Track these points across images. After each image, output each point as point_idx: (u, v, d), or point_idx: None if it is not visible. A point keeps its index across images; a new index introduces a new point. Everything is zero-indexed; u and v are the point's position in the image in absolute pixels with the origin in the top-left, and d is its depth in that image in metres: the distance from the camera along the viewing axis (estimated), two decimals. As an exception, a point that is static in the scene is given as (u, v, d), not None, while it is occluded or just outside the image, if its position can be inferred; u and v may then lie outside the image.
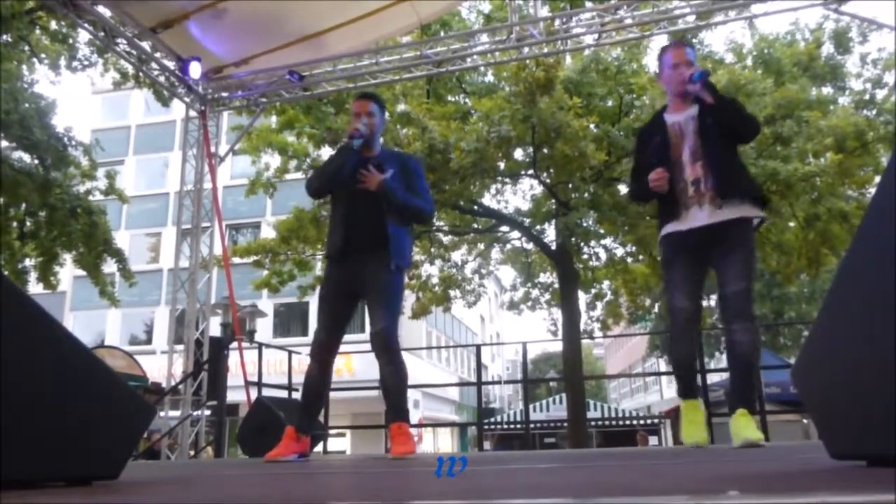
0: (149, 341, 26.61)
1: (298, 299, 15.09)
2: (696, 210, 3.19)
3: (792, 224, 12.11)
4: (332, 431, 8.86)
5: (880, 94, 13.35)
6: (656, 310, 18.08)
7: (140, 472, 2.55)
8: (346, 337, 3.72)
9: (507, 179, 13.83)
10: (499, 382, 35.89)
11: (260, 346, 7.21)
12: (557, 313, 15.16)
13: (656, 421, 25.10)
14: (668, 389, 34.51)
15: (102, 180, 14.26)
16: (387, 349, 3.42)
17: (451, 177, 10.72)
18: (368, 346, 3.48)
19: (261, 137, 12.71)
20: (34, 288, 12.92)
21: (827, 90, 13.55)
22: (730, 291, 3.09)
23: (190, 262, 7.98)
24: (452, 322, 34.27)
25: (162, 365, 8.12)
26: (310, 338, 3.63)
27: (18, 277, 12.29)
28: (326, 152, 12.19)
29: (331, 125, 11.24)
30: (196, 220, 8.07)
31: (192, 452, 7.54)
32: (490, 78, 13.24)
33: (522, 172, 13.16)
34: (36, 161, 11.77)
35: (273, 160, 13.79)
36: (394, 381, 3.43)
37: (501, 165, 12.25)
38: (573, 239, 12.36)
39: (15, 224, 12.57)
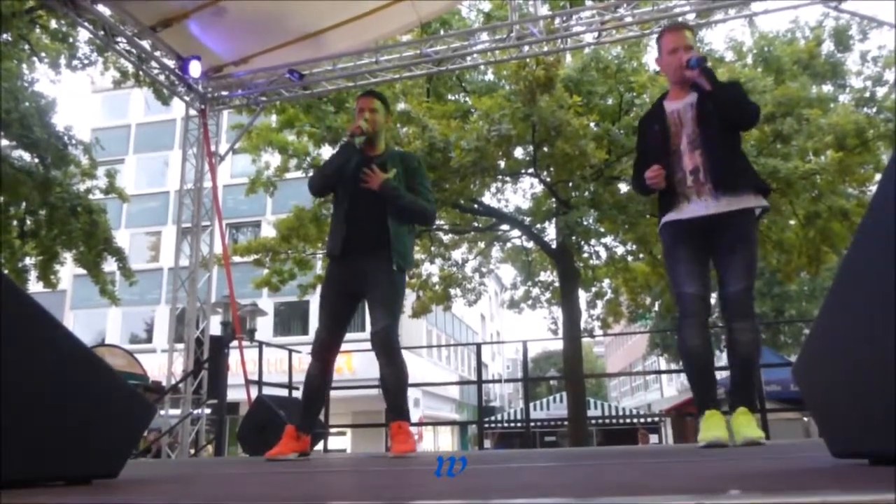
0: (149, 340, 26.62)
1: (299, 298, 15.09)
2: (695, 200, 3.11)
3: (792, 222, 12.10)
4: (332, 430, 8.86)
5: (881, 91, 13.35)
6: (657, 308, 18.09)
7: (140, 471, 2.55)
8: (347, 336, 3.72)
9: (508, 178, 13.83)
10: (499, 381, 35.90)
11: (260, 344, 7.22)
12: (558, 312, 15.18)
13: (657, 419, 25.11)
14: (669, 387, 34.55)
15: (102, 179, 14.26)
16: (387, 348, 3.42)
17: (451, 175, 10.72)
18: (369, 345, 3.47)
19: (261, 136, 12.71)
20: (34, 286, 12.94)
21: (827, 88, 13.54)
22: (731, 291, 3.04)
23: (190, 260, 7.98)
24: (453, 321, 34.29)
25: (162, 363, 8.13)
26: (310, 336, 3.63)
27: (19, 276, 12.29)
28: (326, 151, 12.19)
29: (331, 124, 11.24)
30: (196, 218, 8.07)
31: (192, 451, 7.55)
32: (490, 76, 13.24)
33: (523, 171, 13.16)
34: (36, 160, 11.77)
35: (273, 159, 13.80)
36: (394, 381, 3.42)
37: (502, 164, 12.24)
38: (573, 237, 12.36)
39: (15, 223, 12.57)
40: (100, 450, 1.65)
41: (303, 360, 4.01)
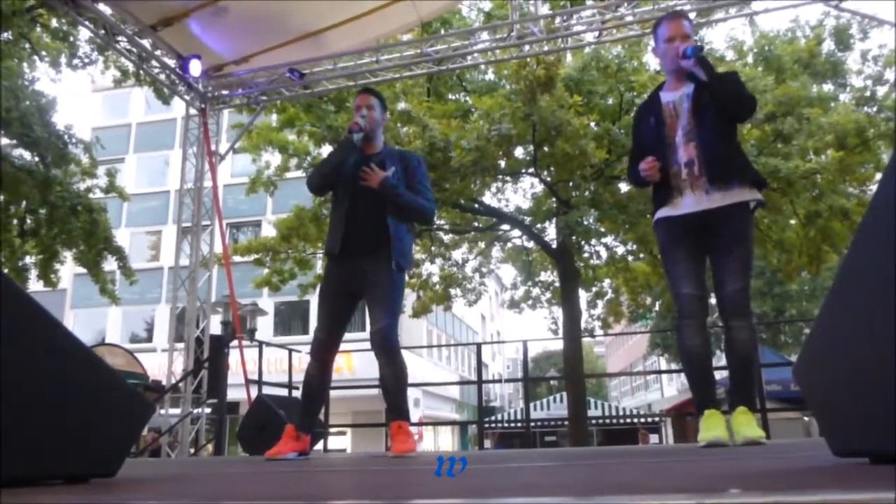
0: (149, 339, 26.63)
1: (299, 298, 15.09)
2: (689, 194, 3.07)
3: (793, 221, 12.10)
4: (332, 430, 8.86)
5: (881, 90, 13.35)
6: (657, 308, 18.09)
7: (139, 470, 2.55)
8: (347, 335, 3.71)
9: (508, 178, 13.83)
10: (499, 381, 35.91)
11: (260, 344, 7.22)
12: (558, 312, 15.17)
13: (657, 419, 25.12)
14: (669, 387, 34.55)
15: (103, 178, 14.26)
16: (386, 348, 3.41)
17: (451, 175, 10.72)
18: (369, 345, 3.46)
19: (261, 136, 12.71)
20: (34, 285, 12.94)
21: (828, 87, 13.53)
22: (728, 291, 3.02)
23: (190, 260, 7.99)
24: (453, 320, 34.29)
25: (162, 363, 8.13)
26: (310, 336, 3.62)
27: (19, 275, 12.29)
28: (327, 151, 12.18)
29: (331, 123, 11.24)
30: (196, 218, 8.07)
31: (192, 450, 7.55)
32: (491, 76, 13.23)
33: (523, 171, 13.15)
34: (36, 158, 11.77)
35: (273, 158, 13.79)
36: (394, 380, 3.42)
37: (502, 164, 12.24)
38: (574, 237, 12.36)
39: (15, 221, 12.57)
40: (98, 449, 1.65)
41: (303, 360, 4.00)
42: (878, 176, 11.48)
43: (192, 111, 8.26)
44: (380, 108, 3.71)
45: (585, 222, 12.17)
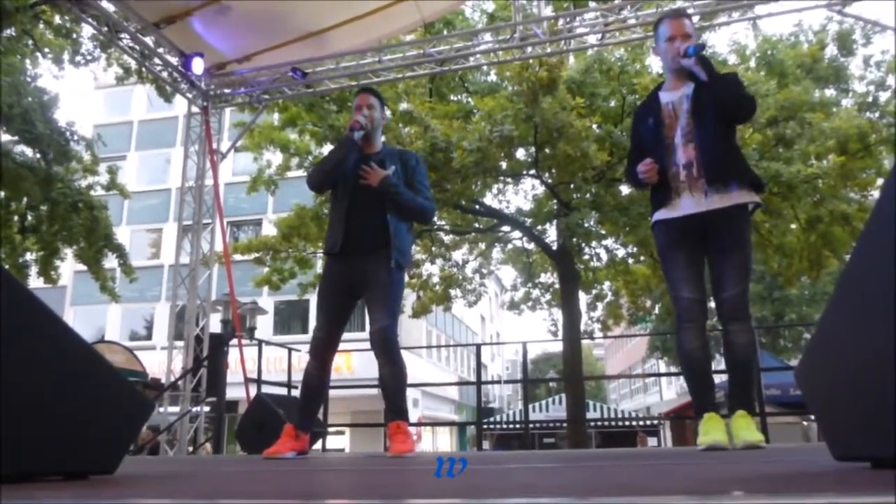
0: (149, 337, 26.63)
1: (299, 297, 15.09)
2: (687, 196, 3.05)
3: (794, 226, 12.09)
4: (331, 429, 8.86)
5: (883, 96, 13.36)
6: (657, 311, 18.09)
7: (137, 468, 2.54)
8: (346, 335, 3.71)
9: (509, 179, 13.83)
10: (498, 382, 35.92)
11: (260, 343, 7.22)
12: (558, 314, 15.18)
13: (656, 422, 25.11)
14: (668, 390, 34.54)
15: (104, 175, 14.28)
16: (386, 348, 3.40)
17: (452, 176, 10.72)
18: (368, 345, 3.46)
19: (263, 134, 12.72)
20: (35, 282, 12.94)
21: (830, 92, 13.55)
22: (727, 295, 3.00)
23: (191, 258, 7.99)
24: (453, 321, 34.28)
25: (162, 361, 8.14)
26: (310, 335, 3.62)
27: (19, 271, 12.30)
28: (328, 150, 12.17)
29: (333, 123, 11.24)
30: (197, 216, 8.07)
31: (190, 448, 7.55)
32: (493, 77, 13.24)
33: (524, 172, 13.15)
34: (38, 155, 11.78)
35: (275, 157, 13.80)
36: (393, 380, 3.41)
37: (503, 165, 12.24)
38: (574, 239, 12.36)
39: (16, 218, 12.59)
40: (98, 446, 1.64)
41: (302, 359, 4.00)
42: (880, 181, 11.48)
43: (195, 109, 8.26)
44: (380, 107, 3.72)
45: (586, 224, 12.17)
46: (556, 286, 14.93)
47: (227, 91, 8.33)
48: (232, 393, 7.84)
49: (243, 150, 13.81)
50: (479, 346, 8.99)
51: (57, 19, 11.66)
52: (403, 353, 3.53)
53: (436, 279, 14.71)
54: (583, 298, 14.84)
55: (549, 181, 12.67)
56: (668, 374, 24.02)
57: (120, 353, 10.05)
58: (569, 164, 10.77)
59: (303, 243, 13.10)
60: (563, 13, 9.05)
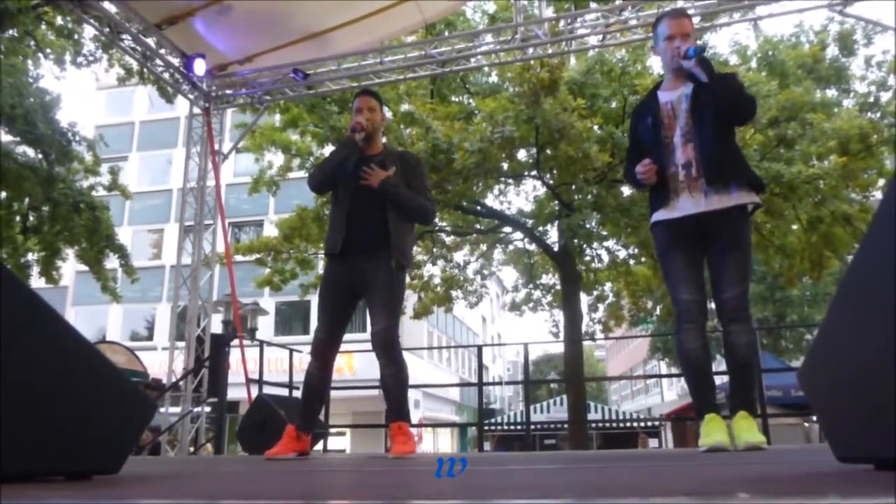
0: (150, 337, 26.64)
1: (300, 298, 15.09)
2: (686, 197, 3.03)
3: (795, 227, 12.08)
4: (332, 430, 8.86)
5: (885, 96, 13.34)
6: (658, 312, 18.07)
7: (140, 468, 2.54)
8: (347, 336, 3.70)
9: (511, 180, 13.83)
10: (500, 383, 35.90)
11: (261, 343, 7.22)
12: (559, 315, 15.17)
13: (657, 423, 25.09)
14: (669, 392, 34.51)
15: (106, 176, 14.30)
16: (387, 349, 3.40)
17: (454, 177, 10.71)
18: (369, 345, 3.46)
19: (264, 135, 12.72)
20: (36, 282, 12.96)
21: (831, 92, 13.54)
22: (727, 297, 2.99)
23: (192, 258, 7.99)
24: (454, 322, 34.28)
25: (163, 361, 8.13)
26: (311, 336, 3.62)
27: (21, 272, 12.32)
28: (329, 151, 12.18)
29: (334, 124, 11.25)
30: (199, 217, 8.08)
31: (191, 449, 7.55)
32: (494, 78, 13.24)
33: (525, 173, 13.15)
34: (40, 156, 11.80)
35: (276, 158, 13.81)
36: (394, 381, 3.41)
37: (505, 166, 12.24)
38: (575, 240, 12.35)
39: (18, 218, 12.61)
40: (101, 445, 1.65)
41: (303, 360, 4.00)
42: (881, 182, 11.47)
43: (196, 110, 8.27)
44: (380, 110, 3.73)
45: (587, 225, 12.16)
46: (558, 287, 14.92)
47: (228, 92, 8.34)
48: (233, 393, 7.84)
49: (245, 151, 13.81)
50: (480, 348, 8.97)
51: (59, 20, 11.68)
52: (404, 353, 3.53)
53: (437, 280, 14.71)
54: (584, 300, 14.83)
55: (551, 182, 12.67)
56: (669, 376, 24.00)
57: (121, 353, 10.02)
58: (570, 165, 10.77)
59: (304, 244, 13.10)
60: (565, 14, 9.05)
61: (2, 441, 1.36)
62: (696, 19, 7.37)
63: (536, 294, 16.60)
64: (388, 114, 11.69)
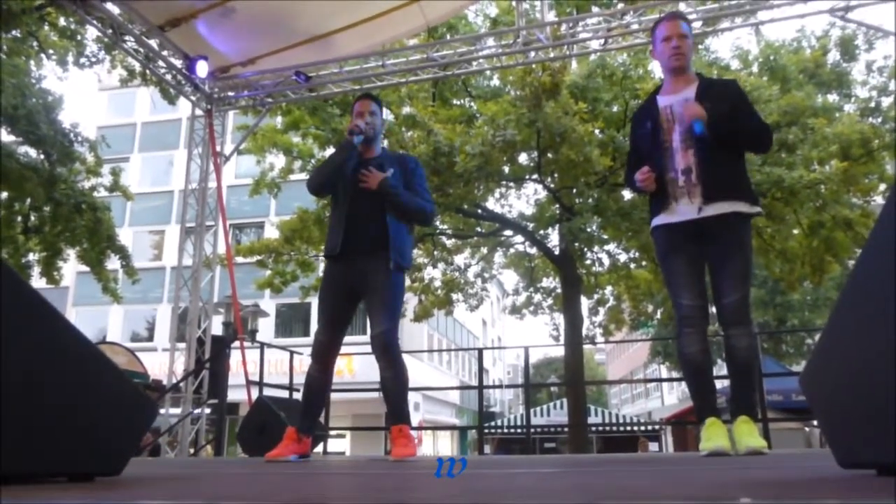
0: (150, 338, 26.65)
1: (301, 300, 15.11)
2: (686, 202, 3.03)
3: (796, 231, 12.09)
4: (332, 432, 8.86)
5: (886, 101, 13.35)
6: (658, 316, 18.07)
7: (141, 469, 2.54)
8: (347, 338, 3.71)
9: (512, 183, 13.84)
10: (500, 386, 35.86)
11: (262, 345, 7.22)
12: (559, 318, 15.17)
13: (657, 427, 25.06)
14: (670, 396, 34.47)
15: (107, 177, 14.31)
16: (387, 351, 3.40)
17: (455, 180, 10.73)
18: (369, 348, 3.46)
19: (266, 137, 12.75)
20: (37, 283, 12.97)
21: (832, 97, 13.57)
22: (728, 300, 3.00)
23: (193, 260, 7.99)
24: (454, 325, 34.27)
25: (163, 362, 8.12)
26: (311, 338, 3.62)
27: (22, 272, 12.32)
28: (330, 153, 12.20)
29: (336, 126, 11.27)
30: (200, 218, 8.08)
31: (191, 450, 7.54)
32: (496, 82, 13.26)
33: (527, 177, 13.16)
34: (42, 156, 11.82)
35: (278, 160, 13.83)
36: (394, 384, 3.41)
37: (506, 169, 12.25)
38: (576, 244, 12.35)
39: (20, 219, 12.62)
40: (103, 447, 1.65)
41: (304, 362, 4.01)
42: (882, 187, 11.47)
43: (198, 112, 8.27)
44: (380, 113, 3.75)
45: (588, 229, 12.18)
46: (558, 291, 14.93)
47: (230, 94, 8.35)
48: (233, 395, 7.85)
49: (246, 152, 13.83)
50: (480, 351, 8.96)
51: (62, 21, 11.69)
52: (405, 356, 3.53)
53: (438, 283, 14.72)
54: (584, 303, 14.84)
55: (552, 186, 12.67)
56: (670, 380, 23.94)
57: (122, 354, 10.00)
58: (571, 168, 10.78)
59: (305, 246, 13.11)
60: (566, 18, 9.07)
61: (3, 441, 1.36)
62: (697, 24, 7.38)
63: (537, 297, 16.61)
64: (390, 116, 11.71)
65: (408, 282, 14.50)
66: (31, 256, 13.15)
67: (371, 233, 3.48)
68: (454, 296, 14.76)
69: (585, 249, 13.39)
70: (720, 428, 2.97)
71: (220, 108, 8.38)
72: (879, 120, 12.80)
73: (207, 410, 7.95)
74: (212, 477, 2.20)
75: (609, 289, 15.44)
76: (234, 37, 7.42)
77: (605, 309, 15.61)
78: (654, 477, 1.81)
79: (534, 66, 9.32)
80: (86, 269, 14.06)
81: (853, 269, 1.32)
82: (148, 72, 9.29)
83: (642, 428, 24.72)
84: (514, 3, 8.42)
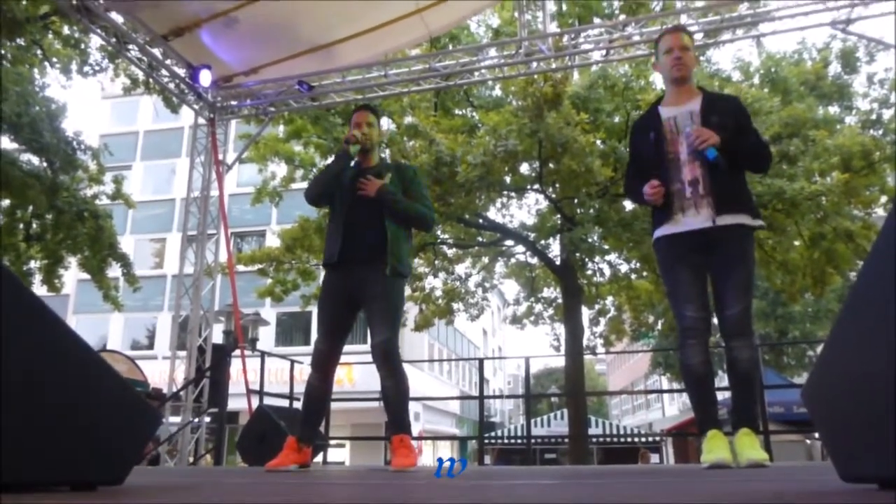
0: (151, 346, 26.62)
1: (301, 308, 15.09)
2: (692, 213, 3.04)
3: (797, 243, 12.08)
4: (332, 442, 8.83)
5: (887, 113, 13.38)
6: (659, 327, 18.04)
7: (141, 478, 2.54)
8: (347, 347, 3.70)
9: (513, 193, 13.85)
10: (501, 397, 35.79)
11: (262, 354, 7.21)
12: (560, 328, 15.13)
13: (658, 439, 24.96)
14: (670, 407, 34.35)
15: (109, 185, 14.34)
16: (388, 360, 3.40)
17: (456, 190, 10.74)
18: (369, 357, 3.46)
19: (268, 146, 12.78)
20: (38, 290, 12.98)
21: (834, 109, 13.60)
22: (730, 314, 3.00)
23: (194, 268, 7.99)
24: (455, 335, 34.23)
25: (163, 370, 8.12)
26: (312, 347, 3.62)
27: (23, 279, 12.32)
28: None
29: (338, 136, 11.30)
30: (202, 226, 8.09)
31: (191, 459, 7.52)
32: (498, 92, 13.31)
33: (528, 187, 13.18)
34: (45, 164, 11.85)
35: (279, 169, 13.86)
36: (395, 393, 3.41)
37: (507, 179, 12.27)
38: (577, 254, 12.35)
39: (21, 226, 12.64)
40: (105, 455, 1.64)
41: (304, 371, 4.01)
42: (884, 199, 11.48)
43: (201, 121, 8.30)
44: (378, 125, 3.78)
45: (589, 239, 12.17)
46: (559, 301, 14.91)
47: (233, 103, 8.37)
48: (233, 404, 7.83)
49: (248, 161, 13.88)
50: (481, 361, 8.95)
51: (66, 30, 11.76)
52: (405, 366, 3.52)
53: (438, 293, 14.70)
54: (585, 313, 14.81)
55: (553, 196, 12.69)
56: (671, 391, 23.88)
57: (122, 362, 9.98)
58: (573, 179, 10.79)
59: (306, 255, 13.12)
60: (568, 29, 9.11)
61: (4, 449, 1.36)
62: (699, 35, 7.41)
63: (538, 307, 16.59)
64: (392, 126, 11.74)
65: (408, 291, 14.53)
66: (33, 264, 13.16)
67: (369, 240, 3.49)
68: (455, 305, 14.75)
69: (586, 260, 13.38)
70: (722, 440, 2.96)
71: (222, 116, 8.40)
72: (880, 132, 12.84)
73: (207, 419, 7.93)
74: (214, 486, 2.20)
75: (610, 299, 15.42)
76: (238, 46, 7.45)
77: (605, 319, 15.58)
78: (655, 489, 1.81)
79: (536, 76, 9.35)
80: (87, 276, 14.07)
81: (855, 281, 1.32)
82: (151, 80, 9.33)
83: (643, 439, 24.62)
84: (516, 14, 8.46)
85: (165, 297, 25.88)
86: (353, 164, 3.68)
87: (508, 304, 19.73)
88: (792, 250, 12.21)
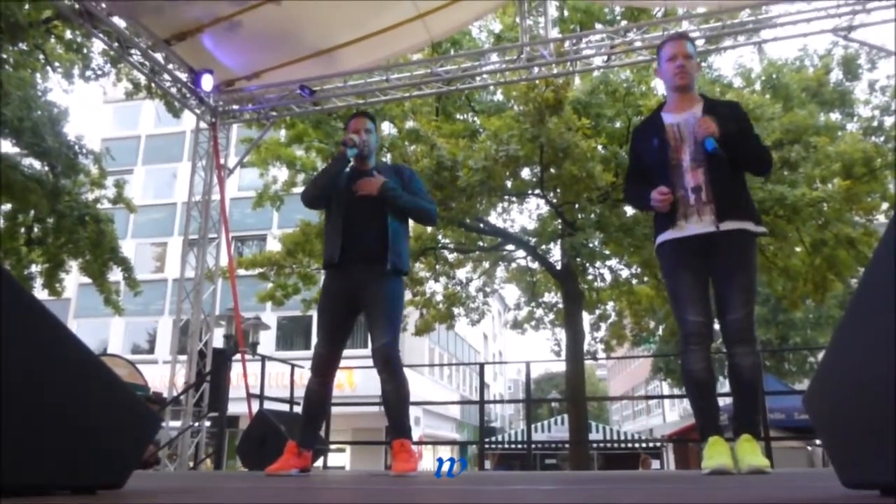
0: (151, 351, 26.62)
1: (302, 313, 15.10)
2: (695, 220, 3.04)
3: (798, 249, 12.08)
4: (332, 447, 8.81)
5: (888, 120, 13.39)
6: (660, 332, 18.02)
7: (142, 482, 2.54)
8: (348, 351, 3.70)
9: (514, 198, 13.86)
10: (501, 401, 35.74)
11: (263, 358, 7.20)
12: (561, 333, 15.13)
13: (659, 444, 24.89)
14: (671, 413, 34.30)
15: (111, 189, 14.36)
16: (388, 365, 3.39)
17: (458, 194, 10.75)
18: (370, 361, 3.45)
19: (269, 150, 12.81)
20: (39, 294, 12.96)
21: (835, 116, 13.60)
22: (732, 319, 2.99)
23: (195, 272, 7.99)
24: (455, 339, 34.20)
25: (164, 375, 8.11)
26: (312, 351, 3.62)
27: (24, 283, 12.33)
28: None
29: (339, 140, 11.31)
30: (203, 230, 8.10)
31: (191, 464, 7.50)
32: (499, 97, 13.32)
33: (529, 192, 13.19)
34: (46, 168, 11.86)
35: (281, 173, 13.88)
36: (396, 398, 3.40)
37: (509, 184, 12.28)
38: (578, 259, 12.35)
39: (23, 230, 12.65)
40: (105, 459, 1.64)
41: (305, 375, 4.00)
42: (885, 206, 11.48)
43: (203, 125, 8.31)
44: (375, 131, 3.80)
45: (590, 244, 12.17)
46: (560, 306, 14.90)
47: (235, 107, 8.40)
48: (234, 408, 7.82)
49: (250, 165, 13.89)
50: (482, 365, 8.94)
51: (68, 34, 11.79)
52: (406, 370, 3.52)
53: (439, 297, 14.70)
54: (586, 318, 14.81)
55: (554, 201, 12.69)
56: (672, 397, 23.85)
57: (122, 366, 9.96)
58: (574, 184, 10.80)
59: (307, 259, 13.13)
60: (570, 35, 9.13)
61: (4, 453, 1.36)
62: (700, 42, 7.43)
63: (538, 312, 16.57)
64: (394, 131, 11.75)
65: (409, 296, 14.52)
66: (34, 268, 13.17)
67: (368, 241, 3.49)
68: (455, 310, 14.75)
69: (587, 265, 13.39)
70: (723, 446, 2.95)
71: (224, 121, 8.42)
72: (882, 139, 12.84)
73: (207, 423, 7.92)
74: (214, 490, 2.20)
75: (611, 304, 15.42)
76: (240, 51, 7.48)
77: (606, 324, 15.57)
78: (656, 495, 1.80)
79: (537, 81, 9.37)
80: (87, 280, 14.07)
81: (857, 288, 1.32)
82: (153, 85, 9.35)
83: (644, 445, 24.56)
84: (517, 20, 8.48)
85: (166, 301, 25.89)
86: (348, 168, 3.69)
87: (509, 309, 19.72)
88: (793, 256, 12.20)
